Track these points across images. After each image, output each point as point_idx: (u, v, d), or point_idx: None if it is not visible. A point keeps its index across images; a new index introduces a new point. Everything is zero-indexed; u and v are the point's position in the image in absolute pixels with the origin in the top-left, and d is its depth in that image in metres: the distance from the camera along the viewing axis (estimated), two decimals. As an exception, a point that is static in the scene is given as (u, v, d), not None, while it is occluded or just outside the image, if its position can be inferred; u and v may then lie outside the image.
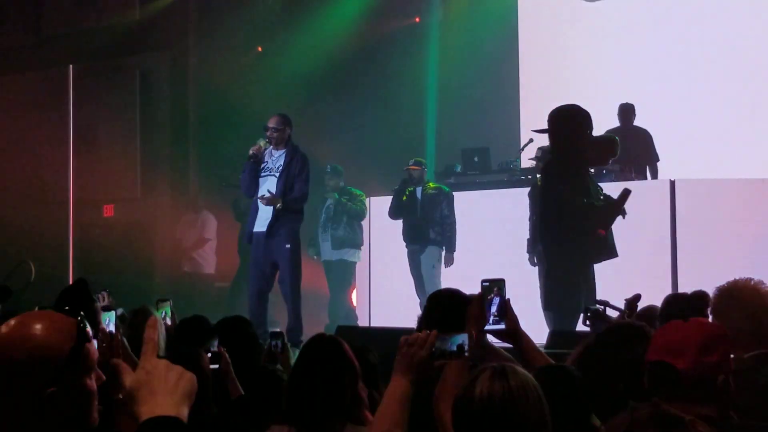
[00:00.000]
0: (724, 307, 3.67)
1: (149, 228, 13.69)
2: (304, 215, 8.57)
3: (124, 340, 4.40)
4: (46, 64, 14.24)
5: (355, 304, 11.53)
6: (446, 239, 9.96)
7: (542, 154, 9.11)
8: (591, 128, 7.04)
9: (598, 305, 4.28)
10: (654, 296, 8.18)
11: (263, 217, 8.22)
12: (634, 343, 3.17)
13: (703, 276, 8.32)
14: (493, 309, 3.28)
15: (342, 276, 11.19)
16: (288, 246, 8.16)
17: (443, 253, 10.00)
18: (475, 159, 10.83)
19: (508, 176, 10.54)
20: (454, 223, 9.98)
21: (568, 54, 12.92)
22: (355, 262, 11.05)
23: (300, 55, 13.25)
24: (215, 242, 12.70)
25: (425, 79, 13.12)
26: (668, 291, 8.29)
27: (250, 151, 8.26)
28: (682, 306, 4.11)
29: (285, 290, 8.30)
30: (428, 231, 9.91)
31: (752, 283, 3.73)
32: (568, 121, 6.98)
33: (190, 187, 13.68)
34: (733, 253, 8.61)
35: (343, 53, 13.19)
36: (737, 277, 3.76)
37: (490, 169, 10.77)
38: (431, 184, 10.04)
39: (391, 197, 10.33)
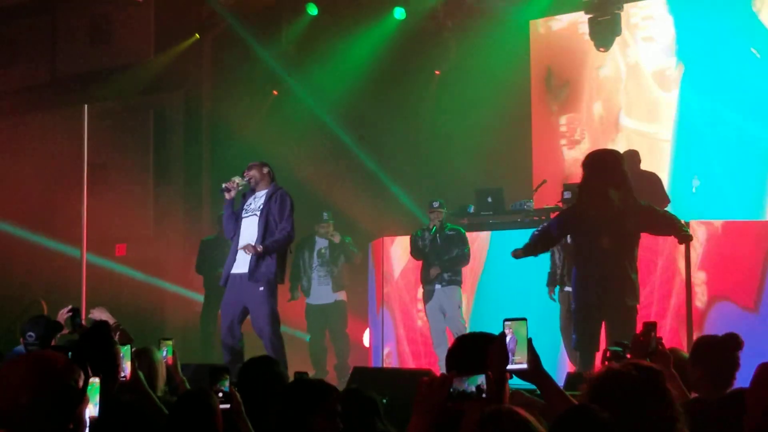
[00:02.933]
0: None
1: (161, 267, 13.68)
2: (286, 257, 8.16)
3: (140, 373, 4.47)
4: (61, 103, 14.32)
5: (367, 345, 11.51)
6: (451, 263, 9.78)
7: (572, 195, 9.10)
8: (613, 174, 6.94)
9: (617, 347, 4.24)
10: (672, 338, 8.16)
11: (242, 260, 7.92)
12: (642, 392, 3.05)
13: (718, 317, 8.38)
14: (514, 348, 3.25)
15: (344, 316, 11.26)
16: (261, 289, 7.81)
17: (458, 291, 9.83)
18: (489, 199, 10.84)
19: (521, 217, 10.54)
20: (467, 258, 9.80)
21: (577, 97, 12.98)
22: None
23: (315, 97, 13.32)
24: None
25: (441, 122, 13.19)
26: (684, 333, 8.31)
27: (222, 185, 8.06)
28: (714, 348, 4.07)
29: (263, 336, 7.84)
30: (445, 272, 9.80)
31: None
32: (588, 166, 6.99)
33: (203, 227, 13.68)
34: (749, 294, 8.58)
35: (360, 96, 13.26)
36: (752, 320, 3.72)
37: (504, 209, 10.78)
38: (449, 225, 9.97)
39: (407, 237, 10.29)
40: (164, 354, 5.25)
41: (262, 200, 8.03)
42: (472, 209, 10.94)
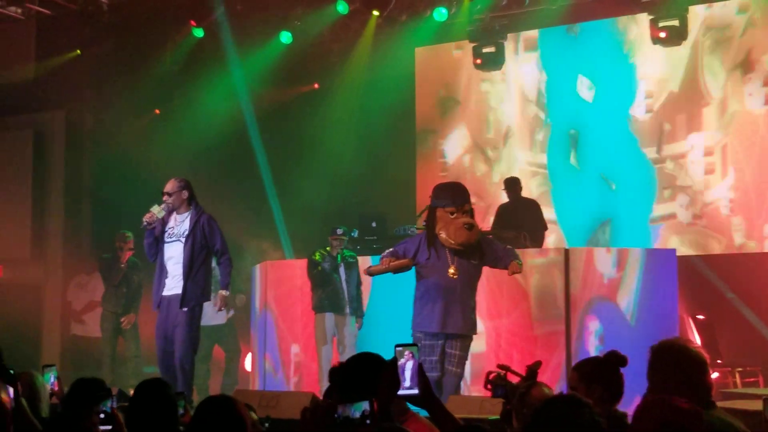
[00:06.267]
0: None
1: (39, 289, 13.36)
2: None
3: (23, 400, 4.34)
4: (-63, 120, 13.91)
5: (249, 369, 11.43)
6: (360, 307, 9.74)
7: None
8: (439, 205, 7.06)
9: (499, 370, 4.33)
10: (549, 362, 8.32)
11: (175, 282, 7.83)
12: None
13: (595, 341, 8.60)
14: (407, 374, 3.31)
15: (236, 339, 11.20)
16: (185, 309, 7.77)
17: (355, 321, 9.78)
18: (373, 224, 10.91)
19: (405, 242, 10.60)
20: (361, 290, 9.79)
21: (462, 123, 13.19)
22: None
23: (199, 117, 13.25)
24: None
25: (328, 145, 13.24)
26: (563, 356, 8.49)
27: (143, 220, 7.87)
28: (595, 368, 4.13)
29: (177, 355, 7.76)
30: (348, 300, 9.66)
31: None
32: (436, 197, 7.12)
33: (83, 249, 13.41)
34: (625, 318, 8.84)
35: (243, 116, 13.25)
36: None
37: (387, 234, 10.85)
38: (346, 252, 9.83)
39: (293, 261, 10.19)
40: (51, 380, 5.09)
41: (186, 225, 7.91)
42: (356, 233, 10.97)
